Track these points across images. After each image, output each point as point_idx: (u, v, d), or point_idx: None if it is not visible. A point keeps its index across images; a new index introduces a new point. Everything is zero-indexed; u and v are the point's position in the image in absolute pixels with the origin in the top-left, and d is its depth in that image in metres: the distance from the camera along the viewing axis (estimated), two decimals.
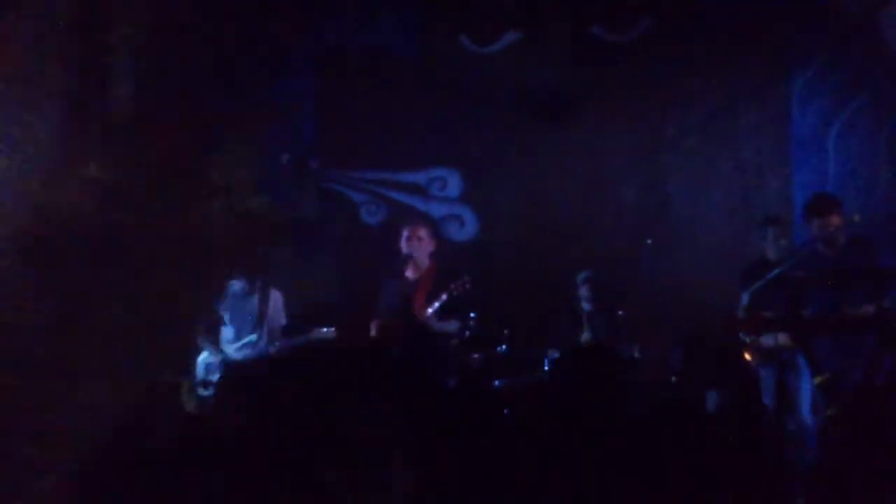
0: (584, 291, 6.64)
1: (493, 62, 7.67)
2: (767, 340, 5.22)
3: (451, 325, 5.67)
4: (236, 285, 6.32)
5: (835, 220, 5.09)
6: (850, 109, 6.82)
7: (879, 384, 4.80)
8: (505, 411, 4.98)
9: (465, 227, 7.86)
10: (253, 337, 6.22)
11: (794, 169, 7.13)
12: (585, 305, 6.64)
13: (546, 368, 6.26)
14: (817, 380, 5.02)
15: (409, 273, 5.80)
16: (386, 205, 7.92)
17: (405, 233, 5.79)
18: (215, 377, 6.12)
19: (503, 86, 7.57)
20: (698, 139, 7.40)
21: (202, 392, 6.04)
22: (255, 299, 6.26)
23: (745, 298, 5.40)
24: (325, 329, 6.07)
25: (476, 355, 6.37)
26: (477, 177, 7.83)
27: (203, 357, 6.30)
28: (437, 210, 7.86)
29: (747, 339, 5.27)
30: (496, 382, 6.21)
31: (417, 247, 5.75)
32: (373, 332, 5.82)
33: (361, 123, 7.72)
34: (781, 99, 7.19)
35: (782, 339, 5.17)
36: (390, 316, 5.72)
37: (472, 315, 5.74)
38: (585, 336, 6.40)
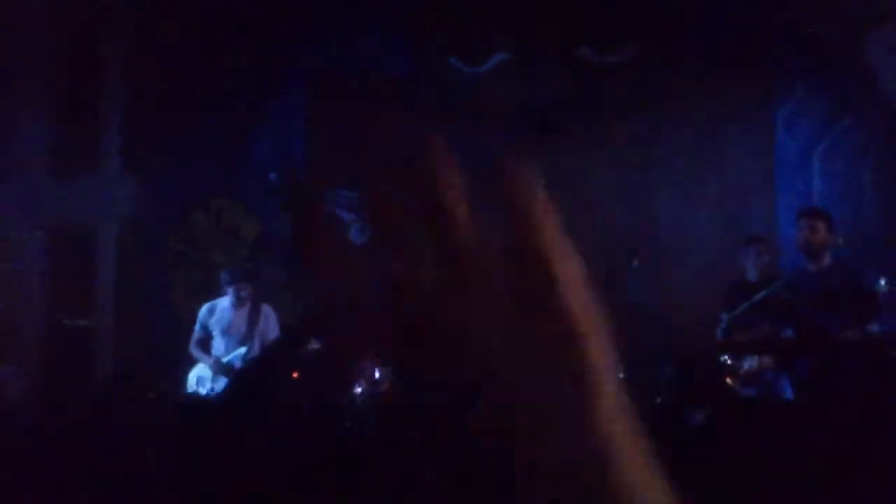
0: None
1: (482, 83, 7.71)
2: (750, 363, 5.24)
3: None
4: (226, 300, 6.40)
5: (821, 227, 5.08)
6: (836, 133, 6.89)
7: (862, 407, 4.81)
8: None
9: None
10: (242, 350, 6.30)
11: (780, 191, 7.18)
12: None
13: None
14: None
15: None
16: None
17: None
18: (206, 389, 6.21)
19: (491, 106, 7.61)
20: (685, 161, 7.45)
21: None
22: (245, 313, 6.34)
23: (723, 319, 5.42)
24: (313, 343, 6.11)
25: None
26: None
27: (196, 370, 6.39)
28: None
29: (729, 362, 5.28)
30: None
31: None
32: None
33: (350, 142, 7.73)
34: (767, 121, 7.26)
35: (765, 361, 5.19)
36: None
37: None
38: None
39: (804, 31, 6.94)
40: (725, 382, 5.32)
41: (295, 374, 6.21)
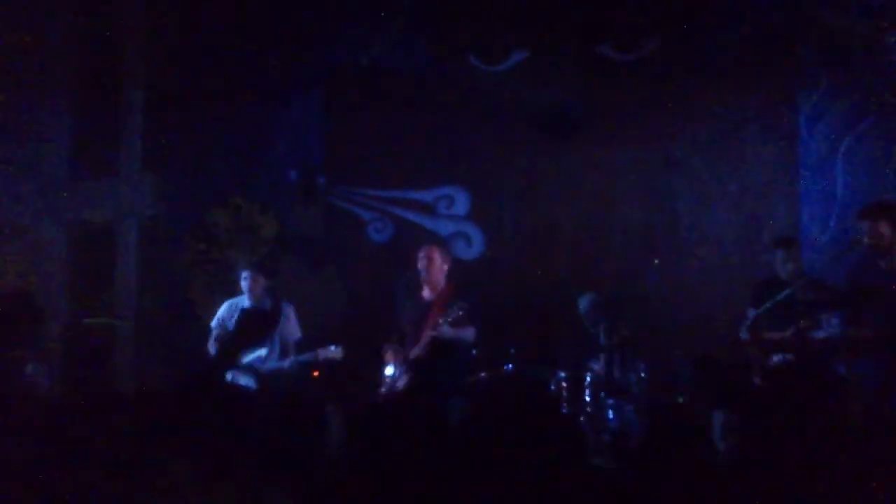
0: (589, 313, 6.62)
1: (501, 81, 7.68)
2: (777, 360, 5.20)
3: (467, 333, 5.74)
4: (247, 300, 6.36)
5: (884, 227, 4.95)
6: (859, 131, 6.81)
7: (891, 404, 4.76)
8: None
9: (472, 246, 7.85)
10: (263, 351, 6.26)
11: (802, 189, 7.11)
12: (591, 327, 6.61)
13: None
14: None
15: (426, 293, 5.92)
16: (393, 223, 7.92)
17: (420, 254, 5.94)
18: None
19: (510, 104, 7.58)
20: (706, 159, 7.39)
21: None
22: (266, 313, 6.31)
23: (750, 314, 5.37)
24: (332, 347, 6.11)
25: (482, 374, 6.35)
26: (484, 195, 7.83)
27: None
28: (444, 228, 7.86)
29: (755, 361, 5.24)
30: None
31: (429, 267, 5.87)
32: (388, 356, 5.88)
33: (369, 141, 7.74)
34: (789, 119, 7.19)
35: (790, 360, 5.14)
36: (406, 335, 5.83)
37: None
38: (591, 359, 6.37)
39: (826, 28, 6.87)
40: (747, 381, 5.28)
41: (315, 374, 6.23)
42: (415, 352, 5.70)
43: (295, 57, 7.81)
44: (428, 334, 5.66)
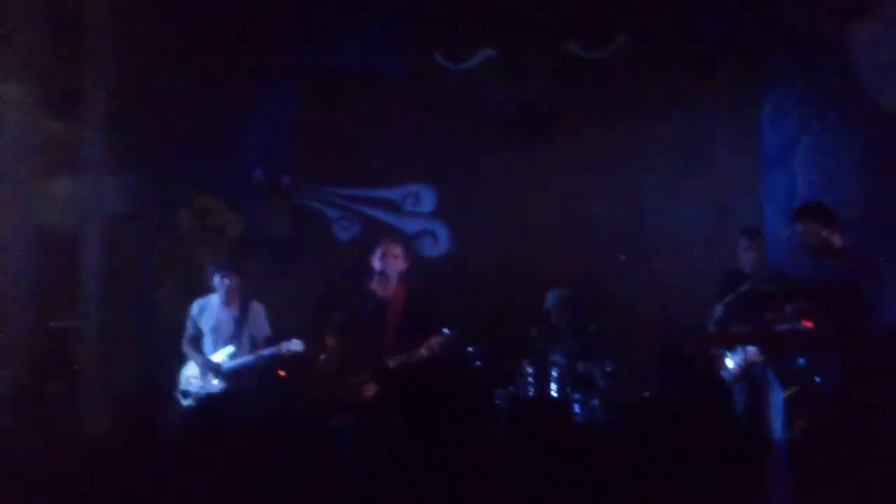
0: (556, 308, 6.68)
1: (468, 79, 7.70)
2: (738, 354, 5.27)
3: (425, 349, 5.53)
4: (216, 297, 6.41)
5: (818, 227, 5.07)
6: (819, 127, 6.92)
7: (850, 397, 4.84)
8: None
9: (439, 243, 7.87)
10: (231, 348, 6.32)
11: (765, 185, 7.22)
12: (558, 322, 6.67)
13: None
14: (787, 393, 5.06)
15: (378, 290, 5.76)
16: (360, 221, 7.92)
17: (380, 249, 5.78)
18: (196, 387, 6.23)
19: (477, 102, 7.60)
20: (672, 155, 7.47)
21: (183, 401, 6.12)
22: (234, 310, 6.36)
23: (718, 310, 5.44)
24: (294, 341, 6.12)
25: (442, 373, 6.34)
26: (450, 193, 7.85)
27: (186, 367, 6.41)
28: (410, 226, 7.87)
29: (718, 354, 5.31)
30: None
31: (391, 264, 5.74)
32: (329, 347, 5.72)
33: (335, 140, 7.73)
34: (753, 116, 7.29)
35: (752, 353, 5.22)
36: (356, 333, 5.67)
37: (446, 332, 5.70)
38: (557, 354, 6.40)
39: (788, 27, 6.97)
40: (712, 375, 5.34)
41: (282, 373, 6.20)
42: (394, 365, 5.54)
43: (263, 56, 7.77)
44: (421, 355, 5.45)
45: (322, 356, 5.65)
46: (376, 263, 5.72)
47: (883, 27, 6.48)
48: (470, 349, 6.24)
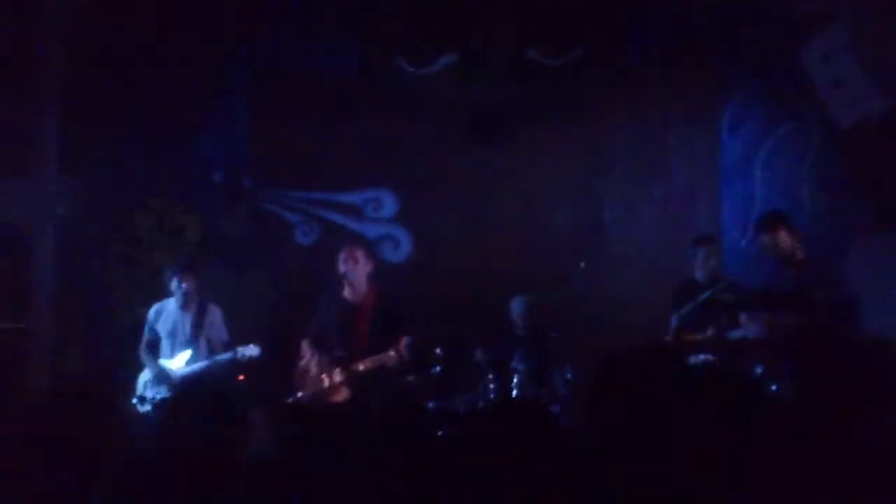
0: (517, 315, 6.69)
1: (430, 84, 7.69)
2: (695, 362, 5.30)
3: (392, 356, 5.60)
4: (173, 301, 6.30)
5: (783, 236, 5.14)
6: (776, 136, 7.02)
7: (809, 402, 4.88)
8: (439, 433, 4.95)
9: (400, 248, 7.84)
10: (188, 352, 6.22)
11: (723, 193, 7.30)
12: (519, 328, 6.68)
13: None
14: None
15: (346, 294, 5.79)
16: (320, 226, 7.85)
17: (342, 254, 5.79)
18: (153, 393, 6.12)
19: (439, 107, 7.59)
20: (631, 163, 7.52)
21: (140, 408, 6.01)
22: (191, 315, 6.26)
23: (674, 321, 5.48)
24: (251, 346, 6.06)
25: (410, 377, 6.33)
26: (412, 198, 7.83)
27: (144, 373, 6.31)
28: (371, 231, 7.82)
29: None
30: (430, 404, 6.17)
31: (353, 268, 5.75)
32: (305, 351, 5.80)
33: (296, 143, 7.66)
34: (711, 125, 7.37)
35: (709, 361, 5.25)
36: (327, 337, 5.74)
37: (408, 340, 5.69)
38: (518, 360, 6.39)
39: (745, 37, 7.07)
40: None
41: (241, 377, 6.13)
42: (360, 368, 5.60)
43: (221, 58, 7.68)
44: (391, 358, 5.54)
45: (301, 361, 5.72)
46: (340, 267, 5.75)
47: (837, 41, 6.60)
48: (438, 350, 6.24)
